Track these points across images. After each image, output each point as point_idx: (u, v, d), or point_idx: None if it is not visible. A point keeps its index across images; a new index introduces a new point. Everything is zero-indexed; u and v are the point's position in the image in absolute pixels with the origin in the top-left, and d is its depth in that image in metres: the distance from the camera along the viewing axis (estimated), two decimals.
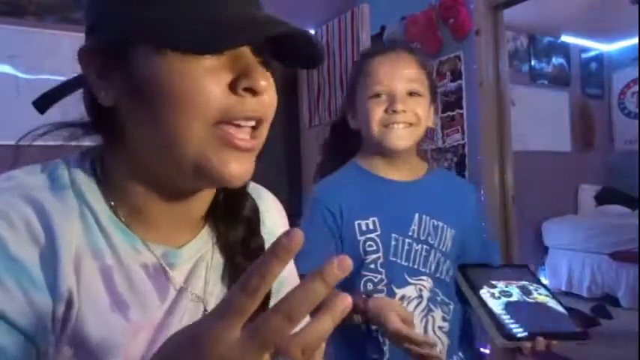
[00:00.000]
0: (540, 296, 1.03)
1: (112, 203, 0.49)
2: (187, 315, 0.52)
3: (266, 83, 0.46)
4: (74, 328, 0.44)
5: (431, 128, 1.13)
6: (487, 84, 2.60)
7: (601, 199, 4.77)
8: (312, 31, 3.30)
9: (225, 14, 0.44)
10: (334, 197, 1.04)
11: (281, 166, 3.76)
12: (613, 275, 3.89)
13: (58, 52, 2.36)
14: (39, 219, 0.43)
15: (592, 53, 5.12)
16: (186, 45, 0.43)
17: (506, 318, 0.94)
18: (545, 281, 4.45)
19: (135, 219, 0.49)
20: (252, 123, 0.47)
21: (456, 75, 2.75)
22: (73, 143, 0.52)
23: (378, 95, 1.02)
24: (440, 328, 1.03)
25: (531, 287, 1.05)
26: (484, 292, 1.00)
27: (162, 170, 0.48)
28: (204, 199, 0.54)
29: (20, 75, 2.36)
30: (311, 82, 3.28)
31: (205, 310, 0.53)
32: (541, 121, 4.48)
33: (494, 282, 1.03)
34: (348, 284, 0.98)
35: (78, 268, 0.45)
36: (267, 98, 0.48)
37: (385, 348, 1.00)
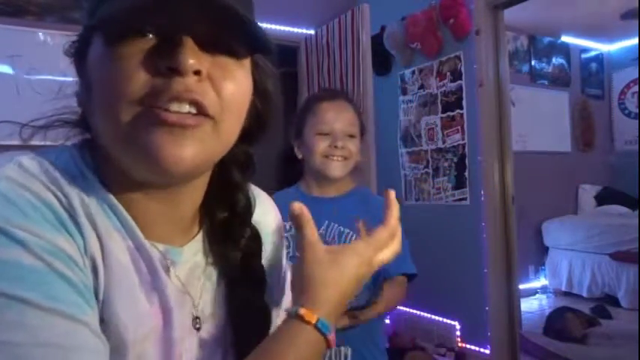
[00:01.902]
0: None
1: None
2: (185, 320, 0.52)
3: (194, 62, 0.42)
4: (102, 304, 0.44)
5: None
6: (487, 84, 2.60)
7: (601, 199, 4.76)
8: (312, 32, 3.30)
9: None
10: (281, 206, 1.20)
11: (281, 166, 3.75)
12: (613, 275, 3.89)
13: (58, 52, 2.35)
14: (62, 195, 0.43)
15: (592, 53, 5.12)
16: (98, 25, 0.43)
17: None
18: (545, 281, 4.46)
19: (132, 216, 0.49)
20: (186, 107, 0.43)
21: (456, 75, 2.75)
22: (69, 143, 0.52)
23: (323, 133, 1.27)
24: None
25: None
26: None
27: (118, 161, 0.46)
28: (190, 198, 0.53)
29: (20, 75, 2.36)
30: (311, 82, 3.28)
31: (197, 317, 0.53)
32: (541, 121, 4.48)
33: None
34: None
35: (102, 242, 0.45)
36: (222, 88, 0.45)
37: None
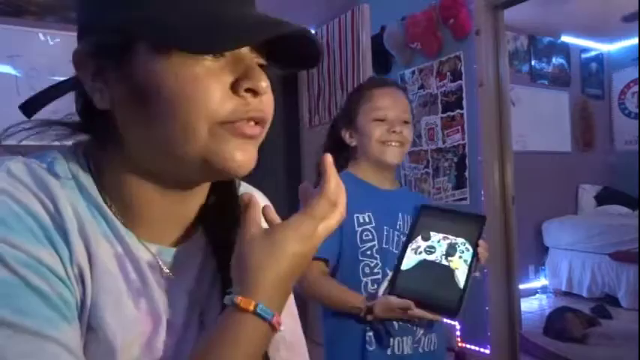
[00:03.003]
0: (458, 261, 1.14)
1: (107, 200, 0.49)
2: (186, 317, 0.52)
3: (266, 84, 0.46)
4: (90, 313, 0.44)
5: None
6: (487, 84, 2.60)
7: (601, 199, 4.76)
8: (312, 32, 3.30)
9: (225, 13, 0.44)
10: None
11: (281, 166, 3.76)
12: (613, 275, 3.89)
13: (58, 52, 2.36)
14: (49, 201, 0.44)
15: (592, 53, 5.12)
16: (187, 44, 0.42)
17: (405, 276, 1.13)
18: (545, 281, 4.46)
19: (128, 217, 0.50)
20: (253, 125, 0.48)
21: (456, 75, 2.75)
22: (65, 142, 0.52)
23: (380, 119, 1.26)
24: None
25: (460, 247, 1.16)
26: (412, 245, 1.17)
27: (164, 167, 0.48)
28: (199, 196, 0.54)
29: (20, 75, 2.36)
30: (311, 82, 3.28)
31: (201, 312, 0.53)
32: (541, 121, 4.48)
33: (433, 233, 1.18)
34: (348, 270, 1.21)
35: (90, 251, 0.45)
36: (267, 98, 0.48)
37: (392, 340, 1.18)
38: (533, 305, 4.11)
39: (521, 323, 2.74)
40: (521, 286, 3.14)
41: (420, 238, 1.17)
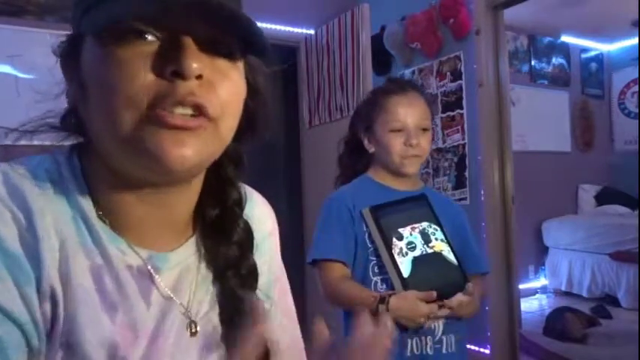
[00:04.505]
0: (437, 243, 1.19)
1: (97, 203, 0.48)
2: (175, 327, 0.51)
3: (197, 66, 0.42)
4: (65, 329, 0.43)
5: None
6: (487, 84, 2.60)
7: (601, 199, 4.76)
8: (312, 32, 3.30)
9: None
10: (350, 197, 1.26)
11: (281, 166, 3.76)
12: (613, 275, 3.89)
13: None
14: (23, 214, 0.43)
15: (592, 53, 5.12)
16: (88, 28, 0.44)
17: (412, 281, 1.12)
18: (545, 281, 4.46)
19: (118, 221, 0.48)
20: (189, 111, 0.43)
21: (456, 75, 2.75)
22: (68, 143, 0.51)
23: (397, 130, 1.24)
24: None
25: (430, 230, 1.20)
26: (395, 250, 1.15)
27: (117, 163, 0.46)
28: (186, 200, 0.52)
29: (20, 75, 2.35)
30: (311, 82, 3.28)
31: (192, 322, 0.52)
32: (541, 121, 4.48)
33: (400, 230, 1.18)
34: (360, 269, 1.21)
35: (65, 266, 0.44)
36: (220, 90, 0.45)
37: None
38: (533, 305, 4.11)
39: (521, 323, 2.75)
40: (521, 286, 3.14)
41: (395, 240, 1.17)
